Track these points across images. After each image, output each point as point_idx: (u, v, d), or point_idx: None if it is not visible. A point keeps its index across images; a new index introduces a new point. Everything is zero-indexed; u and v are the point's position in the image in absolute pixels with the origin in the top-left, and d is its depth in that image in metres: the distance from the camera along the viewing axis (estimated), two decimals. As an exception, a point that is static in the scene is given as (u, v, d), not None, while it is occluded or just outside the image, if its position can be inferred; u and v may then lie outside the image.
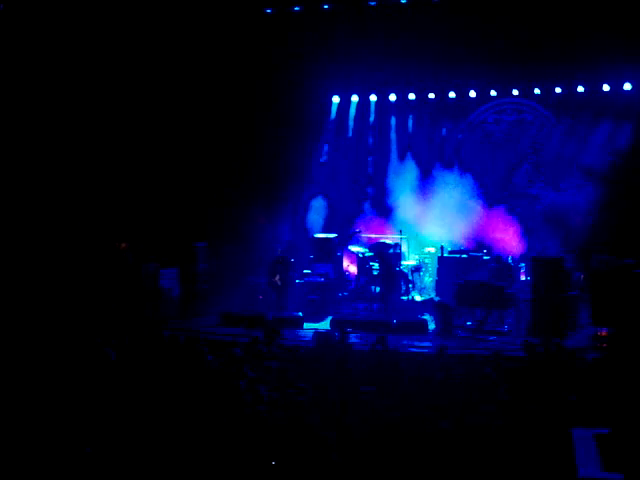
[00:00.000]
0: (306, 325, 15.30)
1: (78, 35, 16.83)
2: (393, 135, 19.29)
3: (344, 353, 11.02)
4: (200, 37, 17.67)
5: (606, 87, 17.55)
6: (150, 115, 18.07)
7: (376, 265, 16.52)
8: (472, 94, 18.63)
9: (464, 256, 16.57)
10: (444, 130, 18.96)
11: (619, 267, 13.78)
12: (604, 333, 13.64)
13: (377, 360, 10.59)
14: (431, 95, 18.86)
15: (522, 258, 16.46)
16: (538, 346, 11.12)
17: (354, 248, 17.42)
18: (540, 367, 9.99)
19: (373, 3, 17.49)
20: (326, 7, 17.66)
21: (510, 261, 16.11)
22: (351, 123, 19.54)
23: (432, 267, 17.19)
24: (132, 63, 17.59)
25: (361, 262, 17.10)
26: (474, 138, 19.02)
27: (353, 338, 13.00)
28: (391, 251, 16.57)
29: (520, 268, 16.30)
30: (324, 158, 19.44)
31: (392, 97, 19.13)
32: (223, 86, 18.28)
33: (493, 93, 18.61)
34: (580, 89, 17.78)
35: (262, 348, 11.15)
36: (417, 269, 16.80)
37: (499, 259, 15.71)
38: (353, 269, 17.65)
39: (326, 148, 19.50)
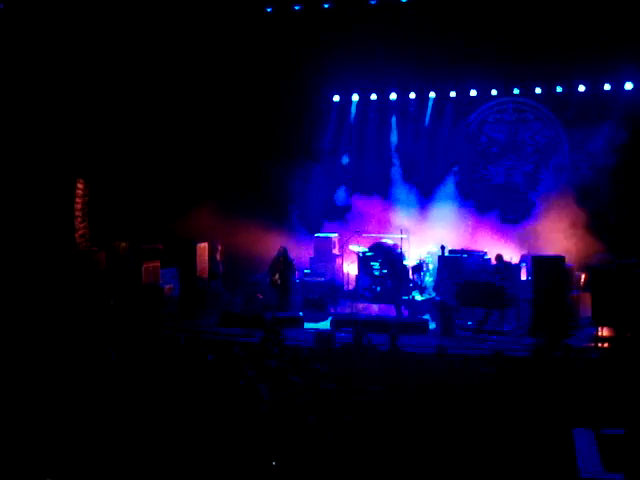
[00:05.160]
0: (306, 325, 15.26)
1: (78, 36, 16.84)
2: (393, 134, 19.24)
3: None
4: (202, 34, 17.66)
5: (607, 86, 17.52)
6: (152, 114, 18.08)
7: (377, 265, 16.45)
8: (473, 93, 18.59)
9: (465, 256, 16.52)
10: (444, 128, 18.91)
11: (620, 266, 13.74)
12: (605, 332, 13.61)
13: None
14: (432, 94, 18.84)
15: (523, 258, 16.41)
16: (540, 346, 11.10)
17: (354, 248, 17.34)
18: (541, 366, 9.97)
19: (374, 2, 17.47)
20: (326, 6, 17.65)
21: (511, 260, 16.05)
22: (351, 123, 19.49)
23: (433, 267, 17.11)
24: (131, 63, 17.59)
25: (362, 262, 17.01)
26: (475, 137, 19.00)
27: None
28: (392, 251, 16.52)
29: (521, 267, 16.25)
30: (323, 157, 19.41)
31: (393, 96, 19.08)
32: (222, 85, 18.26)
33: (494, 92, 18.57)
34: (581, 88, 17.73)
35: (262, 348, 11.13)
36: (418, 268, 16.72)
37: (500, 258, 15.65)
38: (353, 269, 17.57)
39: (325, 147, 19.46)
